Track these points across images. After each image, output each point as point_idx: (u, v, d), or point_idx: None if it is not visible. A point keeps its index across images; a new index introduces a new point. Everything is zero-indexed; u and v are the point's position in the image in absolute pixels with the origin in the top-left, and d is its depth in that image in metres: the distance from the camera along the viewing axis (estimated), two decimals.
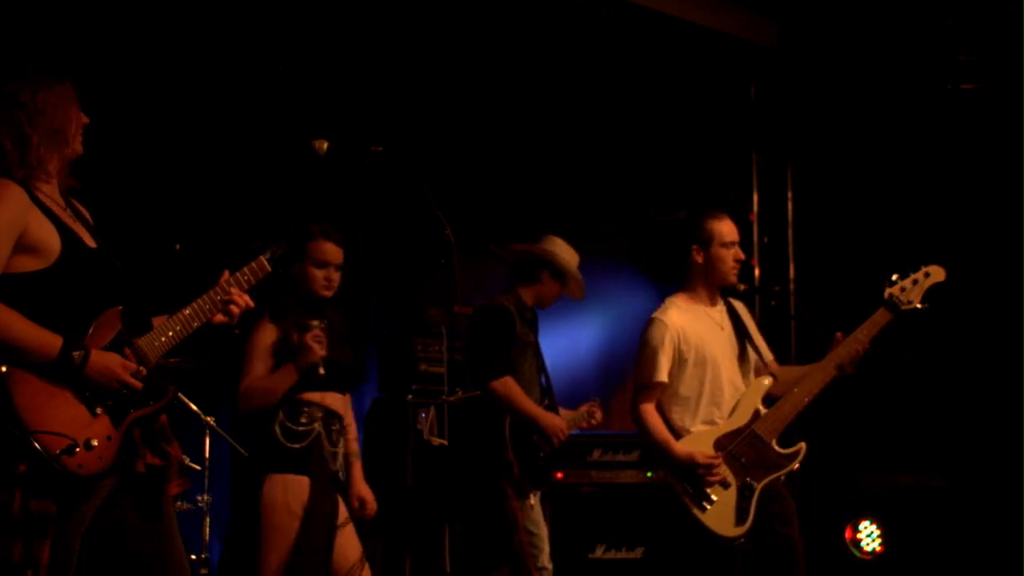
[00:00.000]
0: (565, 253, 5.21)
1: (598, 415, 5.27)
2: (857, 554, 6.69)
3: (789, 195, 7.60)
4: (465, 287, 4.71)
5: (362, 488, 4.30)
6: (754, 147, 7.59)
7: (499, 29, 6.40)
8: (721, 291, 4.54)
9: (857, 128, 7.23)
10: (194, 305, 3.06)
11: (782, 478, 4.33)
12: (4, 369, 2.71)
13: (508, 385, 4.88)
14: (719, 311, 4.52)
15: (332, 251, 4.24)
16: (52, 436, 2.70)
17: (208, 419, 5.59)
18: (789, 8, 7.18)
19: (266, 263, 3.19)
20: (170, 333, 3.01)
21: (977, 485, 6.52)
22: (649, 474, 6.08)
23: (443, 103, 6.55)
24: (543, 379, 5.17)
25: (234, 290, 3.12)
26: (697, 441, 4.25)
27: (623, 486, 6.08)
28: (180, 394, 5.50)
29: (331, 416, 4.18)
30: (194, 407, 5.54)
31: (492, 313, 5.04)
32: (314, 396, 4.15)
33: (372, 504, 4.30)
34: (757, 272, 7.51)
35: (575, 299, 5.33)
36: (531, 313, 5.20)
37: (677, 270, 4.54)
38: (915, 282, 4.43)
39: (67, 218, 2.97)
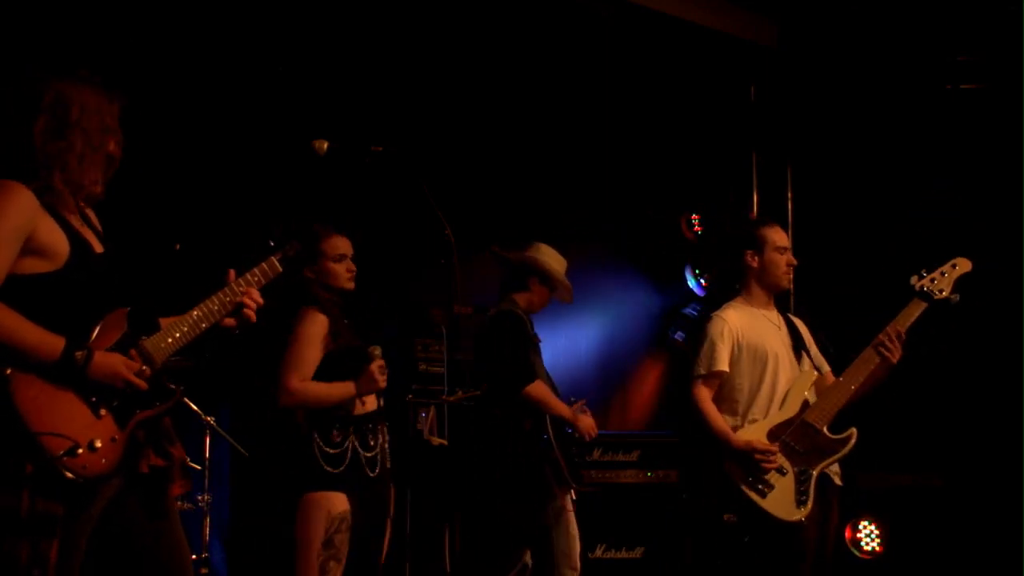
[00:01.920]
0: (552, 260, 5.28)
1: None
2: (857, 554, 6.69)
3: (789, 195, 7.60)
4: (465, 287, 4.72)
5: None
6: (754, 147, 7.59)
7: (499, 29, 6.40)
8: (778, 302, 4.78)
9: (857, 128, 7.23)
10: (203, 307, 3.03)
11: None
12: (9, 372, 2.71)
13: (540, 388, 4.98)
14: (775, 315, 4.75)
15: (345, 244, 4.29)
16: (55, 437, 2.70)
17: (208, 419, 5.59)
18: (789, 8, 7.18)
19: (277, 263, 3.15)
20: (177, 334, 3.00)
21: (976, 485, 6.52)
22: (649, 474, 6.08)
23: (443, 103, 6.55)
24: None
25: (251, 290, 3.08)
26: (753, 432, 4.46)
27: (623, 486, 6.09)
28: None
29: (362, 420, 4.18)
30: (194, 407, 5.54)
31: (506, 320, 5.14)
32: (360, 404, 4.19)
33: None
34: None
35: (564, 303, 5.37)
36: (528, 318, 5.27)
37: (731, 277, 4.79)
38: (943, 273, 4.58)
39: (77, 223, 2.96)
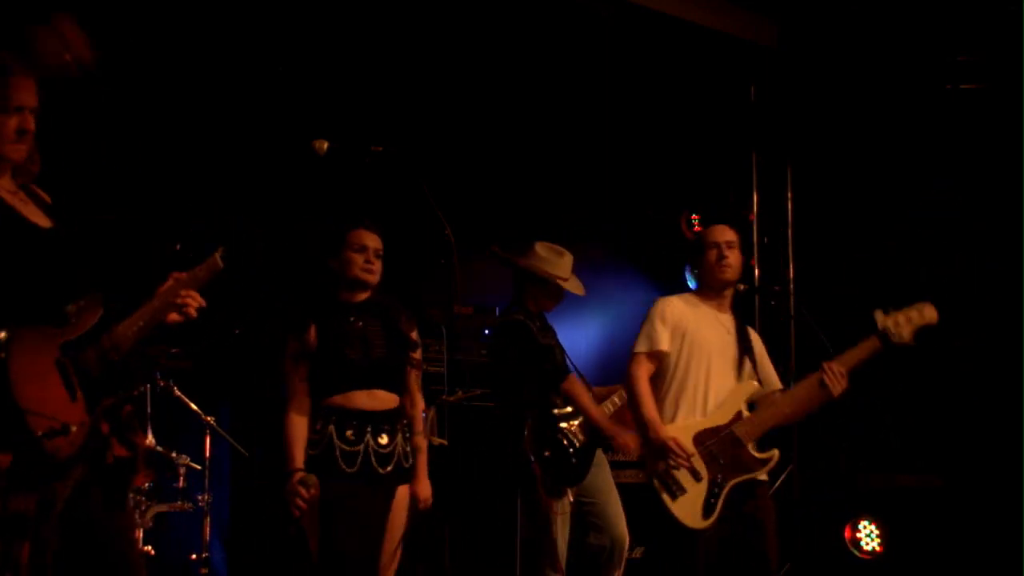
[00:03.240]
0: (548, 262, 5.29)
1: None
2: (857, 554, 6.70)
3: (789, 195, 7.61)
4: (465, 287, 4.72)
5: (417, 485, 4.32)
6: (754, 147, 7.59)
7: (499, 29, 6.41)
8: (735, 307, 4.70)
9: (857, 128, 7.24)
10: (155, 301, 3.05)
11: (761, 481, 4.45)
12: (3, 355, 2.73)
13: (574, 385, 5.12)
14: (728, 319, 4.65)
15: (369, 237, 4.26)
16: (40, 417, 2.73)
17: (208, 419, 5.59)
18: (789, 8, 7.18)
19: (219, 260, 3.13)
20: (140, 323, 3.01)
21: (976, 485, 6.52)
22: None
23: (443, 103, 6.56)
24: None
25: (191, 292, 3.07)
26: (681, 430, 4.39)
27: (623, 486, 6.08)
28: (180, 394, 5.52)
29: (374, 418, 4.19)
30: (194, 407, 5.55)
31: (507, 329, 5.21)
32: (360, 400, 4.19)
33: (425, 500, 4.32)
34: (757, 272, 7.51)
35: (578, 295, 5.38)
36: (541, 319, 5.31)
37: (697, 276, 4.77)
38: (909, 319, 4.51)
39: (15, 200, 2.98)
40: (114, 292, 3.06)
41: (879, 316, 4.50)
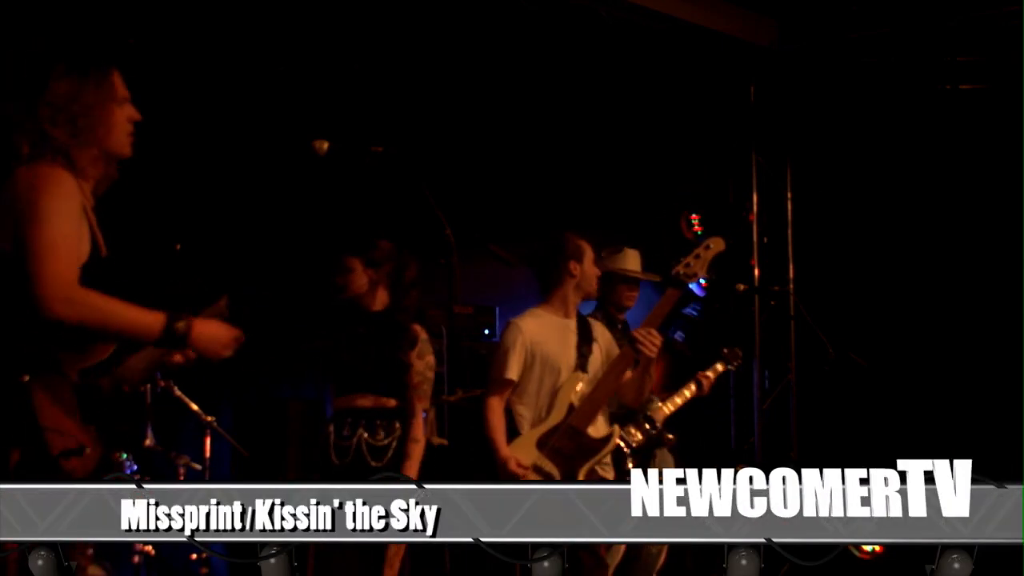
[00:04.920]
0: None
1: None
2: (857, 554, 6.69)
3: (788, 195, 7.60)
4: (465, 287, 4.73)
5: None
6: (754, 147, 7.59)
7: (499, 29, 6.40)
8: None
9: (857, 128, 7.23)
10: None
11: (606, 461, 4.63)
12: (27, 378, 2.73)
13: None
14: (571, 322, 4.78)
15: (354, 262, 4.41)
16: (59, 435, 2.73)
17: (208, 419, 5.59)
18: (789, 8, 7.18)
19: (224, 307, 3.16)
20: (149, 360, 3.06)
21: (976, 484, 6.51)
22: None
23: (443, 103, 6.56)
24: None
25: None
26: (521, 446, 4.52)
27: None
28: (180, 394, 5.52)
29: (364, 415, 4.31)
30: (194, 407, 5.55)
31: None
32: (357, 400, 4.29)
33: None
34: (756, 272, 7.51)
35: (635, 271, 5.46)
36: (622, 323, 5.43)
37: (546, 283, 4.79)
38: (697, 256, 4.54)
39: (95, 223, 2.95)
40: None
41: (673, 267, 4.58)
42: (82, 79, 2.94)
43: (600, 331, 4.88)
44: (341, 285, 4.37)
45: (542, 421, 4.60)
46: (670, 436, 5.31)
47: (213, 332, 2.93)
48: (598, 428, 4.61)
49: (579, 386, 4.64)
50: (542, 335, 4.64)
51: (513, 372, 4.60)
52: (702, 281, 7.50)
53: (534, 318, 4.72)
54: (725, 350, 5.82)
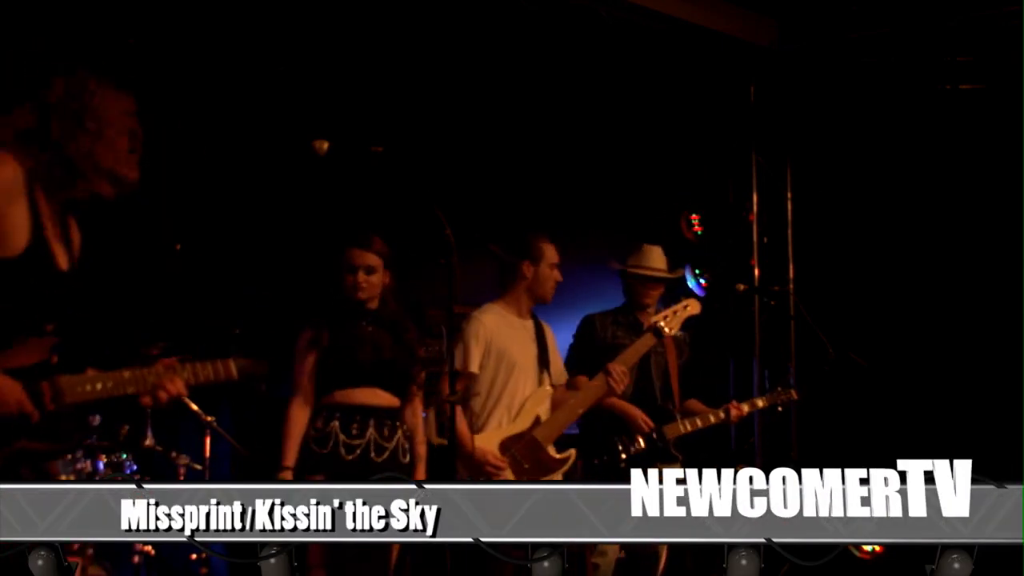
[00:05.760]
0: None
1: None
2: (857, 554, 6.69)
3: (788, 195, 7.60)
4: (465, 287, 4.74)
5: None
6: (754, 147, 7.59)
7: (499, 29, 6.40)
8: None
9: (856, 128, 7.23)
10: (130, 372, 2.82)
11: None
12: None
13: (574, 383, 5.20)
14: (530, 324, 4.88)
15: (359, 255, 4.35)
16: None
17: (208, 419, 5.59)
18: (789, 8, 7.18)
19: (234, 370, 2.88)
20: (99, 386, 2.78)
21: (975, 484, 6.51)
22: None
23: (443, 103, 6.56)
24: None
25: (176, 380, 2.83)
26: (488, 440, 4.60)
27: None
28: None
29: (377, 413, 4.27)
30: (194, 407, 5.54)
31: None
32: (362, 397, 4.25)
33: None
34: (756, 272, 7.50)
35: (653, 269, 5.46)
36: (626, 317, 5.40)
37: (502, 280, 4.94)
38: (675, 313, 5.07)
39: (49, 229, 2.79)
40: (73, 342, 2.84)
41: (651, 315, 5.09)
42: (103, 85, 2.87)
43: (550, 335, 4.99)
44: (363, 285, 4.32)
45: (499, 422, 4.65)
46: (677, 454, 5.28)
47: (8, 387, 2.65)
48: (554, 449, 4.74)
49: (547, 402, 4.76)
50: (499, 331, 4.71)
51: (474, 365, 4.68)
52: (702, 281, 7.51)
53: (492, 313, 4.79)
54: (779, 388, 5.84)
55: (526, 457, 4.61)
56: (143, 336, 5.11)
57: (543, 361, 4.84)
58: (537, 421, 4.68)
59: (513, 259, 4.82)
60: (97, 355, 2.84)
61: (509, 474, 4.52)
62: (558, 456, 4.70)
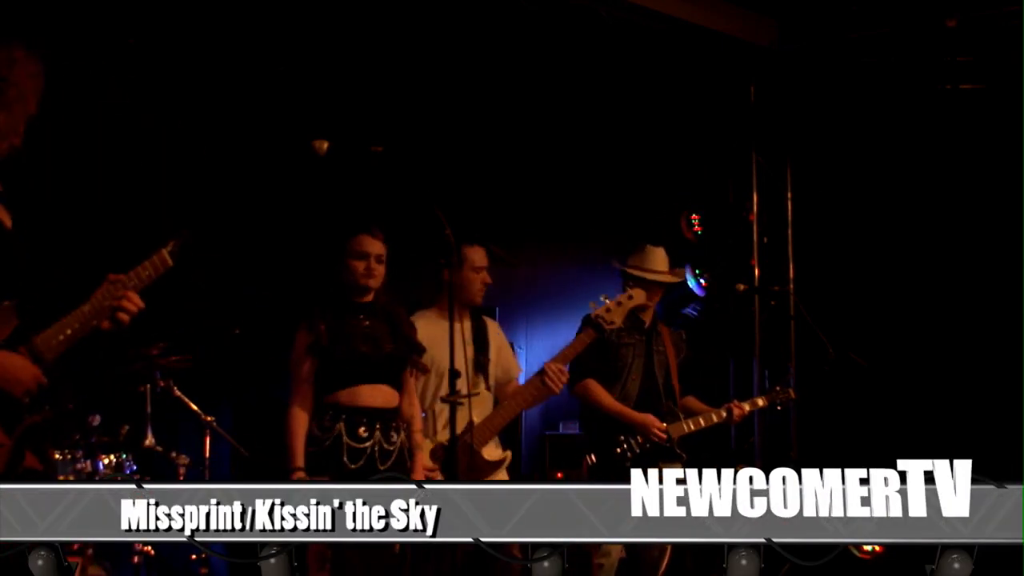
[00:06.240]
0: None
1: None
2: (857, 554, 6.69)
3: (788, 195, 7.60)
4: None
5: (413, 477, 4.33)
6: (754, 147, 7.59)
7: (499, 29, 6.41)
8: (473, 309, 4.87)
9: (856, 128, 7.23)
10: (88, 305, 2.83)
11: None
12: None
13: (585, 387, 5.19)
14: (467, 325, 4.75)
15: (370, 243, 4.31)
16: None
17: (208, 419, 5.58)
18: (789, 8, 7.18)
19: (167, 256, 2.91)
20: (68, 332, 2.79)
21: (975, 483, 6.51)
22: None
23: (443, 103, 6.56)
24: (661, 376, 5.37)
25: (128, 294, 2.84)
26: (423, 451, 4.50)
27: None
28: (180, 394, 5.52)
29: (384, 416, 4.24)
30: (194, 407, 5.54)
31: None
32: (365, 395, 4.22)
33: None
34: (757, 272, 7.50)
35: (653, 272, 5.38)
36: (638, 318, 5.31)
37: (431, 287, 4.86)
38: (619, 304, 4.74)
39: None
40: (32, 298, 2.83)
41: (593, 307, 4.74)
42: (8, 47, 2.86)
43: (495, 333, 4.93)
44: (374, 272, 4.29)
45: (431, 432, 4.60)
46: (681, 453, 5.26)
47: (11, 364, 2.68)
48: (491, 451, 4.68)
49: (483, 405, 4.71)
50: (428, 337, 4.57)
51: None
52: (702, 281, 7.51)
53: (423, 319, 4.70)
54: (778, 387, 5.82)
55: (459, 461, 4.41)
56: (143, 337, 5.11)
57: (480, 364, 4.77)
58: (470, 425, 4.57)
59: (437, 266, 4.68)
60: (57, 305, 2.85)
61: (440, 479, 4.43)
62: (491, 459, 4.64)
